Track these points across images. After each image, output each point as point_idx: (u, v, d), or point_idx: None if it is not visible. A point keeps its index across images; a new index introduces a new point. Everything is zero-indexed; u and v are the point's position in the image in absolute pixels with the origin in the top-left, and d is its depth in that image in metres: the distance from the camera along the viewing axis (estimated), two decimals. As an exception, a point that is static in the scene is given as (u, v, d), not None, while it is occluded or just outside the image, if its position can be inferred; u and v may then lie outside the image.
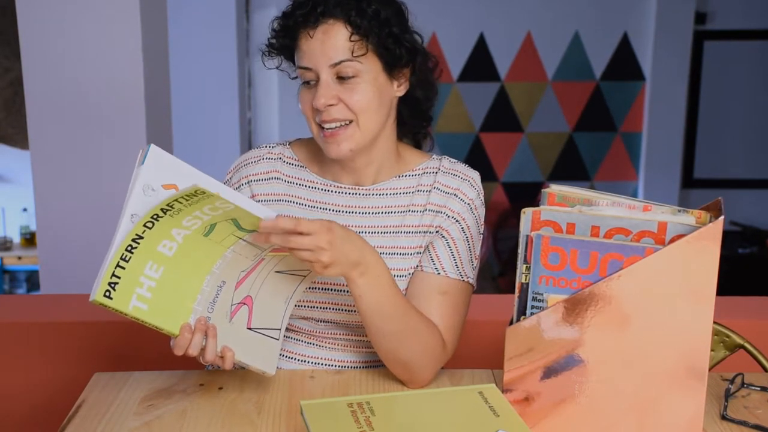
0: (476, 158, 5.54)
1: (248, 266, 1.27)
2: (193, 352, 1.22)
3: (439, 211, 1.45)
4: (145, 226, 1.13)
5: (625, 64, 5.45)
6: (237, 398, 1.33)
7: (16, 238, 5.57)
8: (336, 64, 1.33)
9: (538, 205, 1.18)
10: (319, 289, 1.42)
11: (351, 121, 1.36)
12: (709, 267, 1.11)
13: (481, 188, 1.48)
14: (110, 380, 1.40)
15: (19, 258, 5.39)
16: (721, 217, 1.11)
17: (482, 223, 1.49)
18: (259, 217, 1.17)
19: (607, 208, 1.16)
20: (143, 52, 2.51)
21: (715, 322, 1.30)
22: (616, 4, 5.37)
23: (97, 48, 2.50)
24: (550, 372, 1.19)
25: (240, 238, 1.22)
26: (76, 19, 2.49)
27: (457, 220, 1.44)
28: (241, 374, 1.40)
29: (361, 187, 1.46)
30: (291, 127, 5.21)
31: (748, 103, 5.54)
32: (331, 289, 1.43)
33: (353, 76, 1.34)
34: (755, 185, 5.64)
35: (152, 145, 1.19)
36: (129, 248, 1.13)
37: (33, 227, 5.38)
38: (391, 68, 1.38)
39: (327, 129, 1.36)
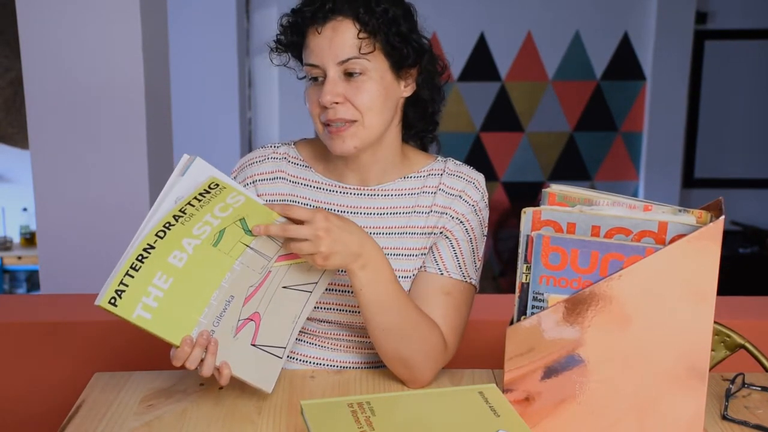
0: (477, 158, 5.54)
1: (257, 281, 1.26)
2: (191, 365, 1.21)
3: (443, 213, 1.45)
4: (157, 235, 1.13)
5: (625, 63, 5.45)
6: (237, 398, 1.32)
7: (16, 238, 5.57)
8: (343, 62, 1.33)
9: (538, 205, 1.18)
10: (320, 295, 1.42)
11: (355, 121, 1.36)
12: (709, 267, 1.11)
13: (486, 190, 1.48)
14: (110, 380, 1.40)
15: (19, 258, 5.39)
16: (722, 217, 1.11)
17: (486, 224, 1.49)
18: (267, 209, 1.19)
19: (607, 207, 1.16)
20: (143, 51, 2.51)
21: (715, 322, 1.30)
22: (616, 4, 5.36)
23: (97, 47, 2.50)
24: (550, 372, 1.19)
25: (247, 246, 1.22)
26: (76, 19, 2.49)
27: (461, 222, 1.44)
28: (242, 374, 1.40)
29: (366, 188, 1.46)
30: (291, 126, 5.21)
31: (749, 103, 5.54)
32: (334, 290, 1.43)
33: (360, 74, 1.34)
34: (756, 185, 5.64)
35: (198, 158, 1.18)
36: (140, 257, 1.13)
37: (33, 227, 5.38)
38: (398, 68, 1.38)
39: (332, 126, 1.36)
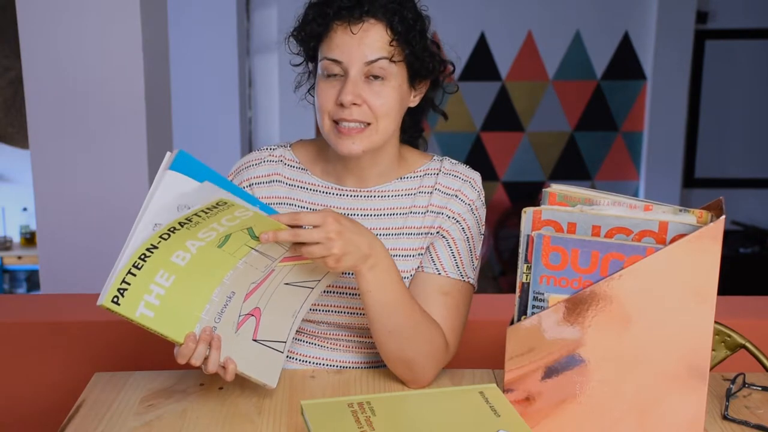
0: (477, 158, 5.54)
1: (259, 278, 1.26)
2: (196, 362, 1.21)
3: (440, 212, 1.44)
4: (161, 237, 1.13)
5: (626, 63, 5.45)
6: (237, 398, 1.32)
7: (16, 238, 5.57)
8: (371, 62, 1.32)
9: (539, 205, 1.18)
10: (321, 291, 1.42)
11: (369, 124, 1.35)
12: (710, 267, 1.11)
13: (482, 189, 1.48)
14: (110, 380, 1.39)
15: (19, 258, 5.39)
16: (723, 217, 1.11)
17: (483, 223, 1.48)
18: (277, 223, 1.17)
19: (608, 207, 1.16)
20: (143, 51, 2.51)
21: (716, 322, 1.30)
22: (617, 4, 5.36)
23: (97, 47, 2.50)
24: (551, 372, 1.19)
25: (252, 248, 1.21)
26: (76, 18, 2.48)
27: (457, 221, 1.44)
28: (242, 374, 1.40)
29: (362, 189, 1.46)
30: (291, 126, 5.21)
31: (750, 103, 5.54)
32: (334, 292, 1.43)
33: (382, 78, 1.34)
34: (757, 185, 5.64)
35: (169, 171, 1.16)
36: (142, 257, 1.13)
37: (33, 227, 5.38)
38: (414, 79, 1.39)
39: (343, 126, 1.35)
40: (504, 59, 5.45)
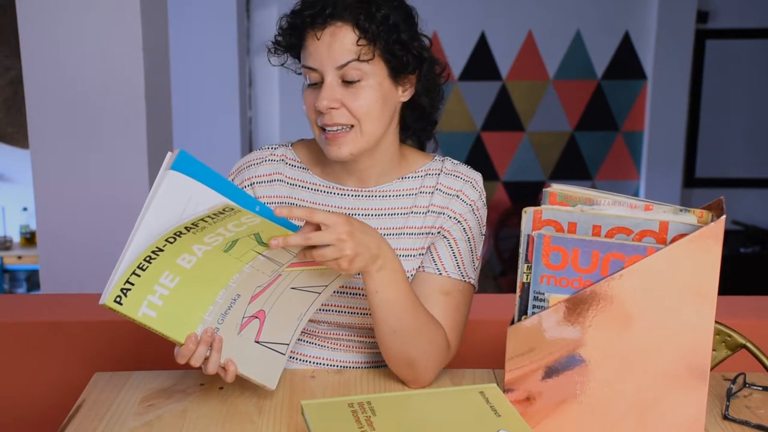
0: (477, 157, 5.54)
1: (265, 282, 1.26)
2: (196, 363, 1.21)
3: (441, 213, 1.44)
4: (167, 241, 1.12)
5: (626, 63, 5.45)
6: (237, 398, 1.32)
7: (16, 238, 5.57)
8: (342, 66, 1.32)
9: (539, 205, 1.18)
10: (328, 296, 1.41)
11: (352, 126, 1.35)
12: (710, 266, 1.11)
13: (483, 190, 1.48)
14: (110, 380, 1.39)
15: (19, 257, 5.39)
16: (723, 217, 1.10)
17: (484, 224, 1.48)
18: (284, 229, 1.17)
19: (608, 207, 1.16)
20: (143, 50, 2.51)
21: (716, 322, 1.30)
22: (617, 3, 5.36)
23: (98, 47, 2.50)
24: (551, 372, 1.19)
25: (259, 254, 1.21)
26: (76, 18, 2.48)
27: (459, 221, 1.44)
28: (242, 374, 1.40)
29: (363, 189, 1.46)
30: (292, 126, 5.21)
31: (750, 102, 5.54)
32: (335, 291, 1.43)
33: (358, 80, 1.33)
34: (757, 184, 5.64)
35: (170, 171, 1.15)
36: (147, 258, 1.12)
37: (33, 226, 5.38)
38: (396, 74, 1.37)
39: (328, 131, 1.35)
40: (504, 59, 5.45)
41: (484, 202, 1.48)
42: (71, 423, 1.24)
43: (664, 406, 1.17)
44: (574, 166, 5.62)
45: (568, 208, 1.16)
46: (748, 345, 1.37)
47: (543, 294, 1.17)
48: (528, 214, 1.17)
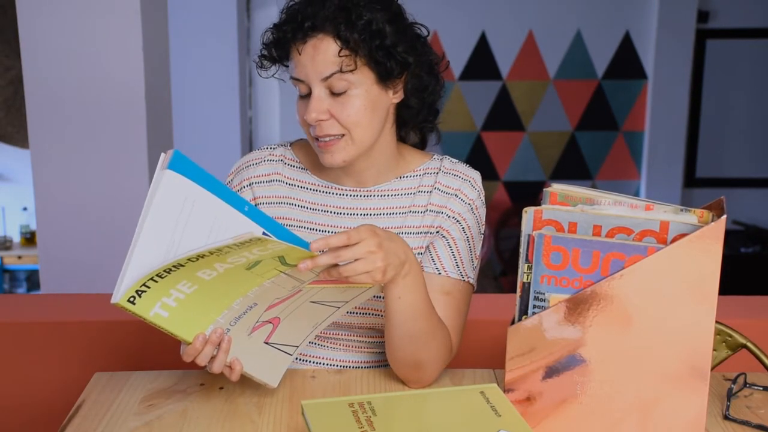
0: (478, 157, 5.54)
1: (284, 295, 1.25)
2: (201, 362, 1.21)
3: (439, 212, 1.44)
4: (189, 259, 1.11)
5: (627, 62, 5.45)
6: (238, 398, 1.32)
7: (16, 238, 5.57)
8: (326, 78, 1.31)
9: (539, 204, 1.18)
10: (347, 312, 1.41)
11: (343, 135, 1.34)
12: (711, 266, 1.11)
13: (482, 188, 1.48)
14: (110, 380, 1.39)
15: (19, 257, 5.39)
16: (724, 217, 1.10)
17: (483, 223, 1.48)
18: (310, 253, 1.15)
19: (609, 207, 1.16)
20: (144, 50, 2.51)
21: (717, 322, 1.30)
22: (618, 3, 5.36)
23: (98, 46, 2.50)
24: (551, 372, 1.19)
25: (282, 272, 1.20)
26: (76, 18, 2.48)
27: (457, 221, 1.44)
28: (242, 374, 1.39)
29: (362, 189, 1.46)
30: (292, 125, 5.19)
31: (751, 102, 5.54)
32: None
33: (345, 90, 1.31)
34: (758, 184, 5.64)
35: (167, 171, 1.15)
36: (167, 270, 1.11)
37: (33, 226, 5.38)
38: (384, 79, 1.35)
39: (320, 141, 1.35)
40: (505, 59, 5.45)
41: (483, 201, 1.48)
42: (71, 423, 1.24)
43: (665, 406, 1.17)
44: (574, 166, 5.62)
45: (568, 208, 1.16)
46: (749, 345, 1.37)
47: (543, 294, 1.17)
48: (528, 213, 1.17)
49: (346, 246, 1.17)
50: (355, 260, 1.17)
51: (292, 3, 1.36)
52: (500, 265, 5.58)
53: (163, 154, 1.15)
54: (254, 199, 1.46)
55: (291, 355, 1.32)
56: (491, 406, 1.13)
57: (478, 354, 1.78)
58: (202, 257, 1.12)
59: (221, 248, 1.11)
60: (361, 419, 1.09)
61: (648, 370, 1.16)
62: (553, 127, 5.56)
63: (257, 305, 1.23)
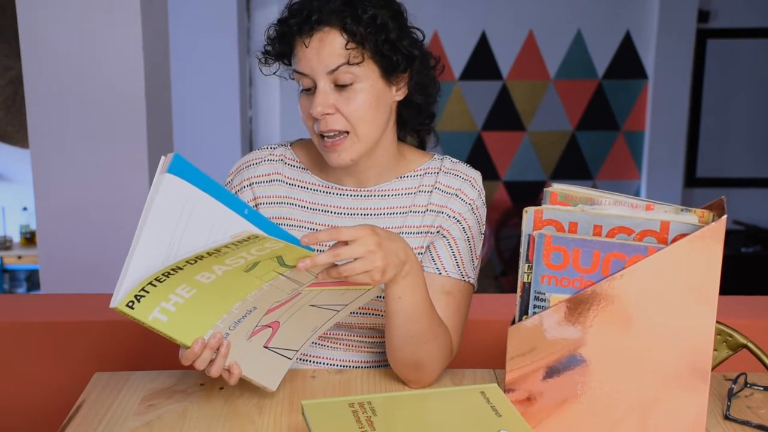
0: (478, 157, 5.54)
1: (284, 298, 1.25)
2: (200, 366, 1.20)
3: (440, 212, 1.44)
4: (187, 262, 1.11)
5: (627, 62, 5.44)
6: (238, 398, 1.32)
7: (16, 238, 5.56)
8: (333, 71, 1.31)
9: (540, 204, 1.18)
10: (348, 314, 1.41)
11: (348, 132, 1.34)
12: (712, 266, 1.11)
13: (482, 188, 1.47)
14: (110, 380, 1.39)
15: (19, 257, 5.38)
16: (724, 216, 1.10)
17: (483, 223, 1.48)
18: (308, 252, 1.15)
19: (609, 207, 1.15)
20: (144, 50, 2.51)
21: (717, 322, 1.29)
22: (618, 3, 5.36)
23: (98, 46, 2.50)
24: (552, 372, 1.19)
25: (280, 274, 1.19)
26: (76, 17, 2.48)
27: (458, 221, 1.44)
28: (242, 374, 1.39)
29: (362, 189, 1.46)
30: (292, 125, 5.21)
31: (752, 102, 5.53)
32: None
33: (351, 84, 1.32)
34: (759, 184, 5.63)
35: (167, 174, 1.15)
36: (166, 273, 1.11)
37: (33, 226, 5.38)
38: (388, 74, 1.36)
39: (327, 139, 1.34)
40: (505, 58, 5.45)
41: (484, 201, 1.48)
42: (71, 423, 1.24)
43: (665, 406, 1.16)
44: (574, 166, 5.62)
45: (569, 208, 1.16)
46: (749, 345, 1.36)
47: (544, 294, 1.17)
48: (529, 213, 1.16)
49: (345, 244, 1.17)
50: (354, 260, 1.17)
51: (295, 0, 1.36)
52: (500, 265, 5.58)
53: (163, 157, 1.15)
54: (254, 199, 1.46)
55: (290, 359, 1.32)
56: (492, 406, 1.13)
57: (478, 354, 1.78)
58: (200, 259, 1.11)
59: (219, 248, 1.11)
60: (361, 419, 1.09)
61: (648, 370, 1.16)
62: (554, 126, 5.56)
63: (256, 309, 1.23)
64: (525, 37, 5.42)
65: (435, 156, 1.49)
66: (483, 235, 1.49)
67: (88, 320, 2.00)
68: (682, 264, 1.11)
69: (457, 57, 5.38)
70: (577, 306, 1.15)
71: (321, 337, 1.48)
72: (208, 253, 1.11)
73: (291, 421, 1.25)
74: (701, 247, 1.10)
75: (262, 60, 1.41)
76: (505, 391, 1.20)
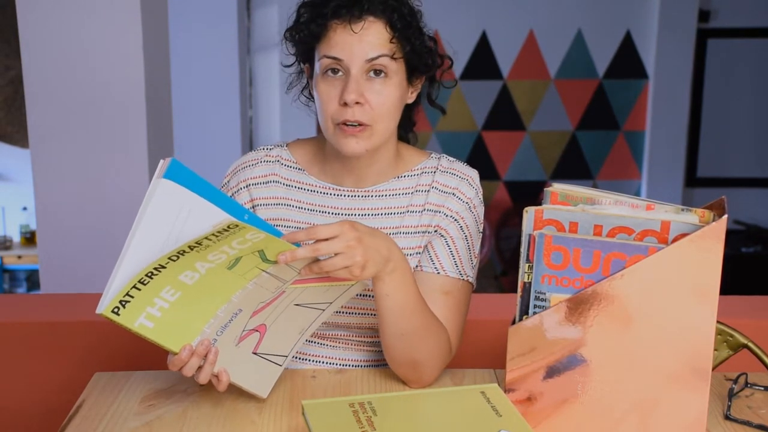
0: (478, 157, 5.54)
1: (268, 298, 1.24)
2: (188, 373, 1.20)
3: (437, 211, 1.44)
4: (169, 258, 1.11)
5: (628, 62, 5.44)
6: (238, 398, 1.32)
7: (16, 237, 5.57)
8: (373, 59, 1.32)
9: (540, 204, 1.18)
10: (333, 313, 1.41)
11: (369, 125, 1.34)
12: (712, 266, 1.10)
13: (480, 187, 1.47)
14: (110, 380, 1.39)
15: (19, 257, 5.39)
16: (725, 216, 1.10)
17: (481, 221, 1.48)
18: (289, 244, 1.15)
19: (610, 207, 1.15)
20: (144, 50, 2.51)
21: (718, 322, 1.29)
22: (618, 3, 5.36)
23: (98, 46, 2.50)
24: (552, 372, 1.18)
25: (263, 271, 1.19)
26: (76, 18, 2.48)
27: (455, 219, 1.44)
28: (242, 374, 1.39)
29: (360, 189, 1.45)
30: (292, 125, 5.20)
31: (752, 102, 5.53)
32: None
33: (385, 75, 1.33)
34: (759, 184, 5.63)
35: (163, 180, 1.14)
36: (149, 274, 1.11)
37: (33, 226, 5.38)
38: (411, 75, 1.39)
39: (348, 126, 1.33)
40: (505, 58, 5.45)
41: (481, 199, 1.48)
42: (71, 423, 1.23)
43: (666, 406, 1.16)
44: (575, 166, 5.62)
45: (569, 208, 1.16)
46: (750, 345, 1.36)
47: (544, 294, 1.17)
48: (529, 213, 1.16)
49: (326, 240, 1.17)
50: (335, 255, 1.18)
51: None
52: (501, 264, 5.58)
53: (161, 161, 1.15)
54: (251, 200, 1.46)
55: (281, 365, 1.32)
56: (492, 406, 1.13)
57: (478, 354, 1.78)
58: (182, 254, 1.11)
59: (200, 240, 1.10)
60: (361, 419, 1.09)
61: (649, 370, 1.15)
62: (554, 126, 5.56)
63: (242, 311, 1.22)
64: (525, 36, 5.42)
65: (432, 155, 1.49)
66: (481, 234, 1.49)
67: (88, 320, 2.00)
68: (683, 264, 1.11)
69: (458, 56, 5.36)
70: (578, 306, 1.15)
71: (321, 336, 1.48)
72: (189, 247, 1.11)
73: (291, 421, 1.25)
74: (702, 247, 1.10)
75: (294, 37, 1.40)
76: (505, 391, 1.20)
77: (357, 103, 1.32)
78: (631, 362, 1.16)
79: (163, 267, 1.12)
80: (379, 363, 1.50)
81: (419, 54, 1.37)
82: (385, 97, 1.33)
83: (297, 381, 1.39)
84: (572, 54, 5.44)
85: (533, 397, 1.20)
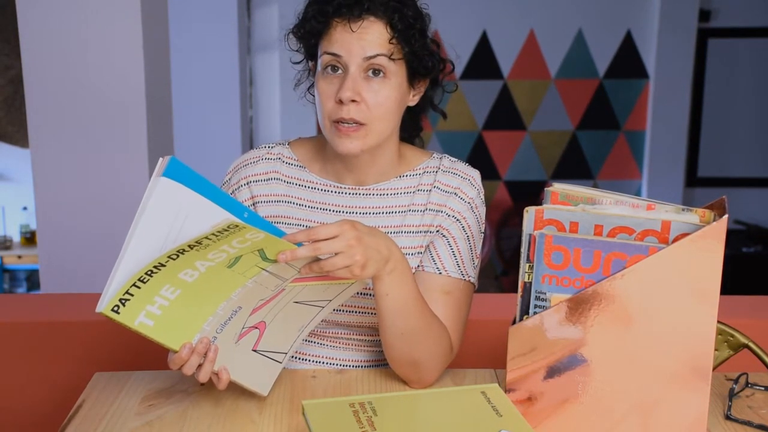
0: (479, 156, 5.54)
1: (268, 296, 1.25)
2: (188, 371, 1.20)
3: (439, 211, 1.44)
4: (169, 257, 1.11)
5: (628, 62, 5.44)
6: (238, 398, 1.32)
7: (16, 237, 5.57)
8: (370, 57, 1.32)
9: (541, 204, 1.18)
10: (332, 311, 1.41)
11: (364, 125, 1.34)
12: (713, 266, 1.10)
13: (482, 187, 1.47)
14: (110, 380, 1.39)
15: (19, 257, 5.39)
16: (725, 216, 1.10)
17: (483, 221, 1.48)
18: (289, 243, 1.15)
19: (610, 206, 1.15)
20: (144, 49, 2.51)
21: (719, 322, 1.29)
22: (619, 2, 5.35)
23: (98, 45, 2.50)
24: (553, 372, 1.18)
25: (263, 269, 1.19)
26: (76, 17, 2.48)
27: (457, 219, 1.44)
28: (242, 374, 1.39)
29: (361, 188, 1.45)
30: (292, 125, 5.21)
31: (753, 101, 5.53)
32: None
33: (383, 75, 1.33)
34: (760, 184, 5.63)
35: (162, 178, 1.14)
36: (149, 272, 1.11)
37: (33, 226, 5.38)
38: (412, 77, 1.39)
39: (343, 125, 1.34)
40: (506, 58, 5.45)
41: (483, 199, 1.48)
42: (71, 423, 1.23)
43: (666, 406, 1.16)
44: (575, 166, 5.62)
45: (569, 208, 1.16)
46: (751, 345, 1.36)
47: (545, 294, 1.17)
48: (530, 213, 1.16)
49: (326, 239, 1.18)
50: (335, 254, 1.18)
51: None
52: (501, 264, 5.58)
53: (160, 160, 1.14)
54: (252, 197, 1.46)
55: (280, 363, 1.32)
56: (492, 406, 1.13)
57: (479, 354, 1.78)
58: (182, 253, 1.11)
59: (200, 239, 1.10)
60: (361, 419, 1.09)
61: (649, 370, 1.15)
62: (555, 126, 5.56)
63: (242, 309, 1.22)
64: (526, 36, 5.42)
65: (434, 155, 1.49)
66: (483, 234, 1.49)
67: (88, 320, 2.00)
68: (684, 264, 1.11)
69: (458, 56, 5.36)
70: (578, 306, 1.15)
71: (321, 336, 1.48)
72: (189, 246, 1.11)
73: (291, 421, 1.25)
74: (702, 246, 1.09)
75: (298, 32, 1.41)
76: (505, 391, 1.20)
77: (353, 101, 1.32)
78: (632, 362, 1.15)
79: (163, 265, 1.11)
80: (380, 363, 1.50)
81: (419, 56, 1.37)
82: (383, 97, 1.34)
83: (297, 381, 1.39)
84: (573, 54, 5.43)
85: (534, 397, 1.20)
